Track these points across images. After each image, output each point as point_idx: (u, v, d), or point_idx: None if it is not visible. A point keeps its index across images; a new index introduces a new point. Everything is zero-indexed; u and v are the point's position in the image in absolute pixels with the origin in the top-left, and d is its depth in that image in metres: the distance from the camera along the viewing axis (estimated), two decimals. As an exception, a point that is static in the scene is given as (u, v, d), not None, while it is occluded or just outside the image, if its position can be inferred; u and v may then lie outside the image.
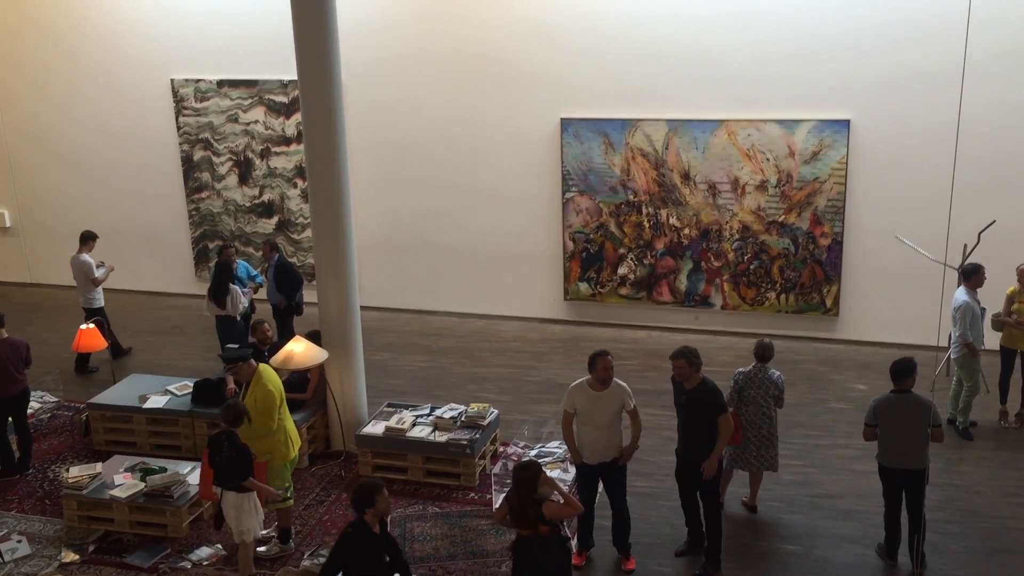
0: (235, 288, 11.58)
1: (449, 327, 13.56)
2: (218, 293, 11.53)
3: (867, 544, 8.29)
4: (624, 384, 7.91)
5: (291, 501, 8.43)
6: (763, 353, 8.45)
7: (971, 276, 9.89)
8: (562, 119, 12.74)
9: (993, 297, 10.18)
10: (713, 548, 7.98)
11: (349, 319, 9.88)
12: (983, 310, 9.95)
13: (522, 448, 9.83)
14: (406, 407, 10.04)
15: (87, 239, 12.32)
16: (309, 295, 11.59)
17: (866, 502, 8.88)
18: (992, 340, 10.20)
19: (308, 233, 13.86)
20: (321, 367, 9.78)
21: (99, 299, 12.26)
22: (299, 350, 9.35)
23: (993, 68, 10.82)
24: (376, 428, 9.63)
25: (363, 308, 10.30)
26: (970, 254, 10.62)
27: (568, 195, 12.97)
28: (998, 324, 10.11)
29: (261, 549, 8.39)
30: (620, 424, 7.91)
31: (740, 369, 8.60)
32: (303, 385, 10.01)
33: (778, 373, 8.53)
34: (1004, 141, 11.22)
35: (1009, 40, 10.94)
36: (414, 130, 13.44)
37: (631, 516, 8.14)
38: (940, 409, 10.38)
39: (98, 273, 12.21)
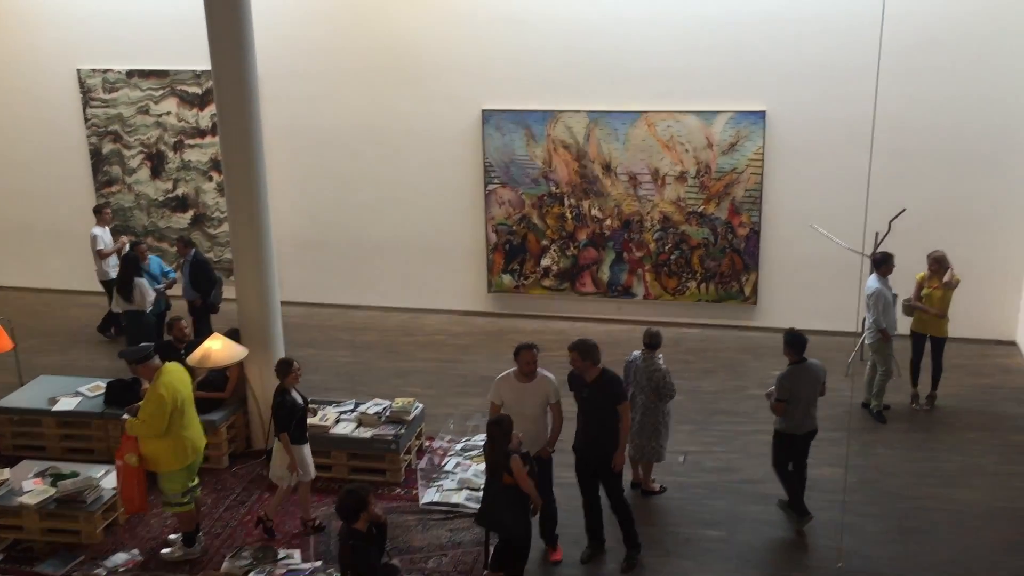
0: (140, 281, 11.30)
1: (372, 321, 13.41)
2: (124, 287, 11.26)
3: (787, 528, 8.46)
4: (550, 376, 7.92)
5: (191, 506, 8.11)
6: (650, 340, 8.53)
7: (882, 264, 10.16)
8: (483, 111, 12.68)
9: (905, 283, 10.48)
10: (630, 534, 8.01)
11: (269, 315, 9.67)
12: (894, 296, 10.24)
13: (447, 442, 9.77)
14: (329, 403, 9.88)
15: (96, 211, 12.70)
16: (228, 291, 11.32)
17: (786, 486, 9.08)
18: (904, 325, 10.50)
19: (225, 228, 13.53)
20: (240, 365, 9.56)
21: (112, 272, 12.30)
22: (217, 348, 9.11)
23: (902, 61, 11.10)
24: (298, 426, 9.44)
25: (284, 303, 10.10)
26: (881, 242, 10.92)
27: (490, 187, 12.93)
28: (909, 309, 10.42)
29: (165, 551, 8.20)
30: (546, 416, 7.91)
31: (634, 352, 8.69)
32: (222, 384, 9.77)
33: (663, 366, 8.54)
34: (913, 132, 11.54)
35: (917, 34, 11.25)
36: (333, 123, 13.23)
37: (557, 507, 8.15)
38: (855, 394, 10.75)
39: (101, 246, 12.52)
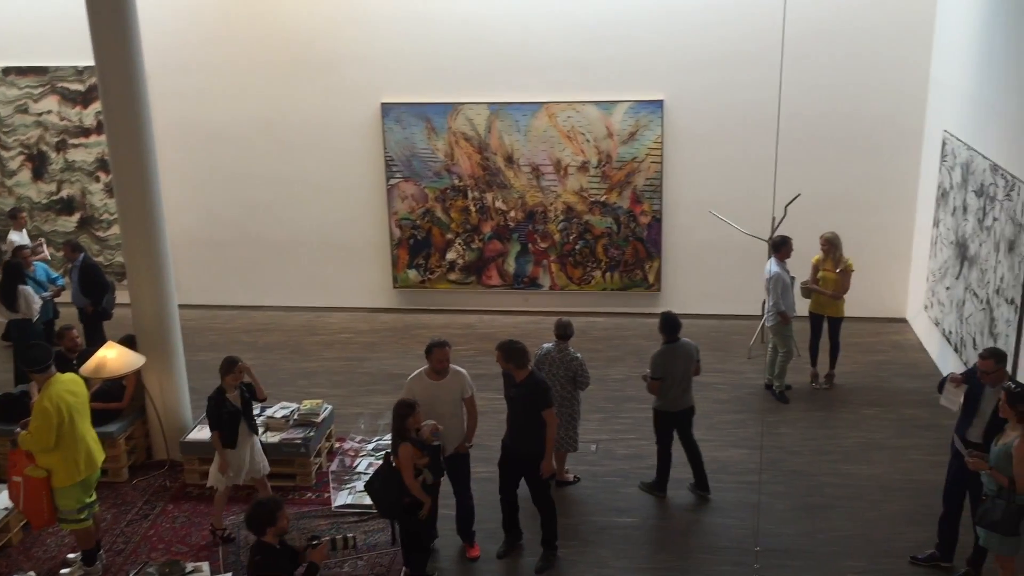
0: (25, 288, 10.73)
1: (275, 321, 13.09)
2: (7, 295, 10.68)
3: (698, 510, 8.61)
4: (463, 371, 7.85)
5: (89, 522, 7.74)
6: (562, 331, 8.56)
7: (780, 248, 10.40)
8: (382, 104, 12.50)
9: (802, 266, 10.76)
10: (549, 535, 7.99)
11: (166, 320, 9.33)
12: (792, 279, 10.51)
13: (359, 442, 9.61)
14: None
15: (12, 215, 12.27)
16: (120, 296, 10.87)
17: (696, 470, 9.24)
18: (802, 307, 10.79)
19: (115, 230, 13.02)
20: (138, 373, 9.19)
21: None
22: (112, 356, 8.74)
23: (795, 49, 11.31)
24: (202, 433, 9.12)
25: (181, 307, 9.75)
26: (778, 226, 11.18)
27: (392, 181, 12.76)
28: (807, 292, 10.71)
29: (63, 572, 7.83)
30: (462, 412, 7.85)
31: (544, 344, 8.71)
32: (119, 393, 9.38)
33: (577, 355, 8.59)
34: (806, 119, 11.83)
35: (810, 23, 11.51)
36: (227, 118, 12.84)
37: (474, 503, 8.10)
38: (757, 375, 11.01)
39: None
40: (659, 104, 12.08)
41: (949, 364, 10.71)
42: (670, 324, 8.55)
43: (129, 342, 9.21)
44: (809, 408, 10.41)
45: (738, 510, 8.58)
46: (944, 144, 11.02)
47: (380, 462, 9.10)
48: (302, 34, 12.46)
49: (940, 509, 7.74)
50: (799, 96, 11.66)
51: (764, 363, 10.88)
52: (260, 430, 9.14)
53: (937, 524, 7.76)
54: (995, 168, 9.43)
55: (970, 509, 7.45)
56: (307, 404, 9.47)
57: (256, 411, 9.39)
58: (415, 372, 7.87)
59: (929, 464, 9.07)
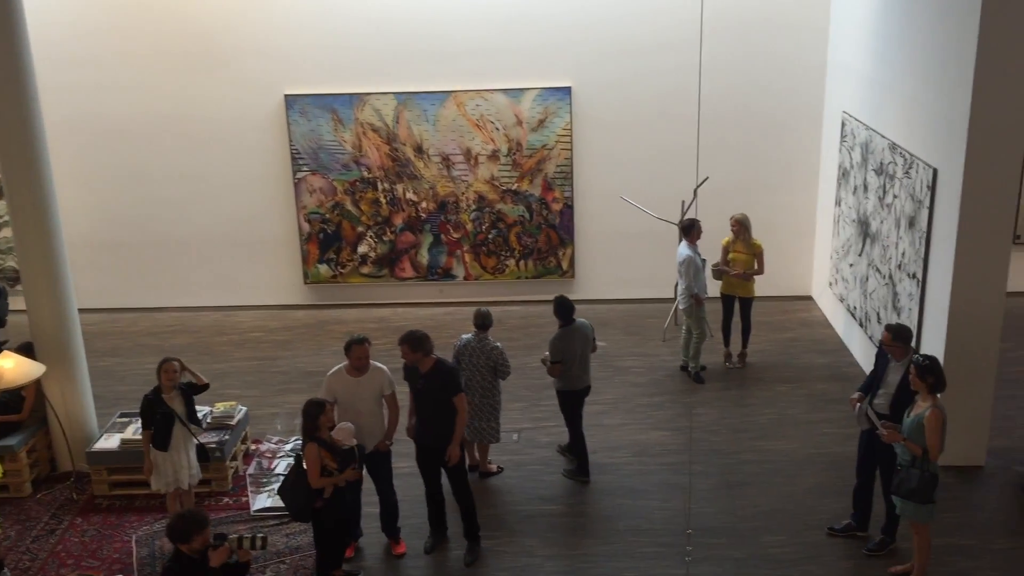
0: None
1: (182, 323, 12.67)
2: None
3: (622, 494, 8.67)
4: (383, 367, 7.73)
5: None
6: (481, 322, 8.52)
7: (690, 231, 10.54)
8: (286, 96, 12.19)
9: (712, 248, 10.93)
10: (471, 527, 7.94)
11: (65, 325, 8.93)
12: (704, 261, 10.67)
13: (276, 444, 9.37)
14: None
15: None
16: (14, 302, 10.36)
17: (618, 454, 9.31)
18: (714, 288, 10.97)
19: (7, 233, 12.36)
20: (38, 382, 8.74)
21: None
22: (9, 367, 8.26)
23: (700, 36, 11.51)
24: (110, 442, 8.81)
25: (81, 311, 9.34)
26: (688, 210, 11.33)
27: (299, 175, 12.47)
28: (718, 273, 10.89)
29: None
30: (382, 409, 7.72)
31: (463, 335, 8.67)
32: (18, 405, 8.94)
33: (497, 344, 8.57)
34: (711, 103, 11.94)
35: (715, 8, 11.60)
36: (124, 112, 12.34)
37: (397, 499, 7.98)
38: (673, 358, 11.14)
39: None
40: (567, 91, 12.09)
41: (855, 339, 11.06)
42: (564, 308, 8.69)
43: (26, 350, 8.77)
44: (724, 388, 10.60)
45: (661, 491, 8.68)
46: (844, 125, 11.33)
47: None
48: (200, 25, 12.04)
49: (854, 480, 7.97)
50: (704, 82, 11.78)
51: (679, 345, 11.02)
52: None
53: (852, 495, 7.99)
54: (893, 147, 9.73)
55: (882, 479, 7.69)
56: (220, 407, 9.19)
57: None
58: (334, 369, 7.71)
59: (841, 437, 9.33)
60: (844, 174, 11.38)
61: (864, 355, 10.59)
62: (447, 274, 12.84)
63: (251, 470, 8.83)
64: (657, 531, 8.12)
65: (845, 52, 11.40)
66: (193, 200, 12.66)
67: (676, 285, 11.07)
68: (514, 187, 12.46)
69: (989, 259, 8.29)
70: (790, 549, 7.84)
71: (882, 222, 10.11)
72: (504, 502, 8.64)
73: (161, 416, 7.73)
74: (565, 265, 12.75)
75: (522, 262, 12.76)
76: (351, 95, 12.17)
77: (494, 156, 12.35)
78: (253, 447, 9.42)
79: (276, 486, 8.60)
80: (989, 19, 7.73)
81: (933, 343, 8.70)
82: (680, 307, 10.84)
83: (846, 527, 7.98)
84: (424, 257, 12.78)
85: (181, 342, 12.06)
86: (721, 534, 8.04)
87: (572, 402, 8.84)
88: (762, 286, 11.14)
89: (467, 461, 8.70)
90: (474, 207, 12.55)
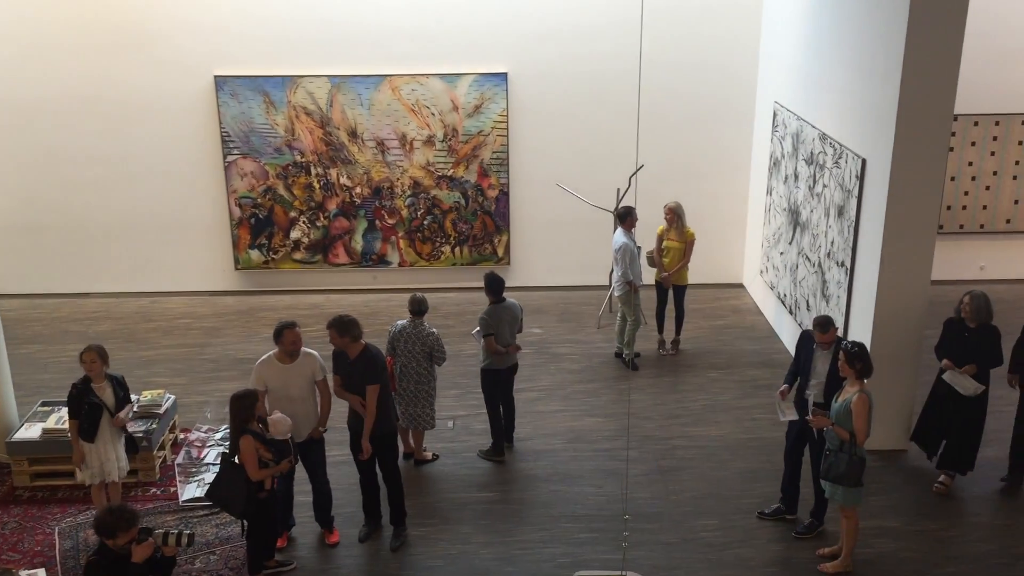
0: None
1: (106, 309, 12.32)
2: None
3: (557, 481, 8.70)
4: (314, 353, 7.61)
5: None
6: (417, 308, 8.45)
7: (625, 218, 10.58)
8: (216, 77, 11.90)
9: (647, 236, 11.00)
10: (398, 512, 7.88)
11: (-16, 312, 8.59)
12: (638, 249, 10.74)
13: (205, 432, 9.18)
14: (65, 404, 8.92)
15: None
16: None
17: (552, 440, 9.33)
18: (648, 275, 11.05)
19: (-82, 215, 11.89)
20: (-47, 370, 8.44)
21: None
22: (-77, 354, 7.97)
23: (636, 24, 11.54)
24: (31, 432, 8.54)
25: (0, 297, 9.00)
26: (623, 197, 11.39)
27: (230, 159, 12.19)
28: (652, 261, 10.97)
29: None
30: (315, 396, 7.60)
31: (398, 321, 8.60)
32: (-68, 394, 8.59)
33: (433, 330, 8.52)
34: (647, 92, 11.95)
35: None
36: (43, 93, 11.92)
37: (331, 487, 7.88)
38: (608, 344, 11.20)
39: None
40: (503, 76, 12.03)
41: (785, 326, 11.25)
42: (494, 284, 8.75)
43: (-58, 337, 8.44)
44: (658, 374, 10.69)
45: (596, 477, 8.73)
46: (775, 115, 11.49)
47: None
48: (125, 2, 11.67)
49: (783, 465, 8.12)
50: (641, 70, 11.86)
51: (614, 332, 11.09)
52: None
53: (781, 479, 8.14)
54: (824, 137, 9.90)
55: (811, 464, 7.84)
56: (147, 395, 8.97)
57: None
58: (264, 356, 7.57)
59: (771, 422, 9.48)
60: (775, 163, 11.55)
61: (794, 342, 10.77)
62: (382, 260, 12.71)
63: (180, 459, 8.64)
64: (592, 517, 8.17)
65: (777, 43, 11.55)
66: (119, 183, 12.30)
67: (611, 272, 11.13)
68: (450, 173, 12.37)
69: (915, 248, 8.49)
70: (722, 533, 7.96)
71: (812, 211, 10.29)
72: (439, 489, 8.60)
73: (89, 407, 7.47)
74: (501, 252, 12.72)
75: (457, 249, 12.69)
76: (284, 77, 11.94)
77: (430, 141, 12.25)
78: (182, 436, 9.21)
79: (206, 475, 8.46)
80: (917, 12, 7.90)
81: (861, 330, 8.89)
82: (615, 294, 10.89)
83: (776, 511, 8.12)
84: (358, 243, 12.62)
85: (106, 329, 11.73)
86: (654, 519, 8.12)
87: (494, 380, 8.88)
88: (695, 274, 11.26)
89: (402, 448, 8.65)
90: (409, 193, 12.43)
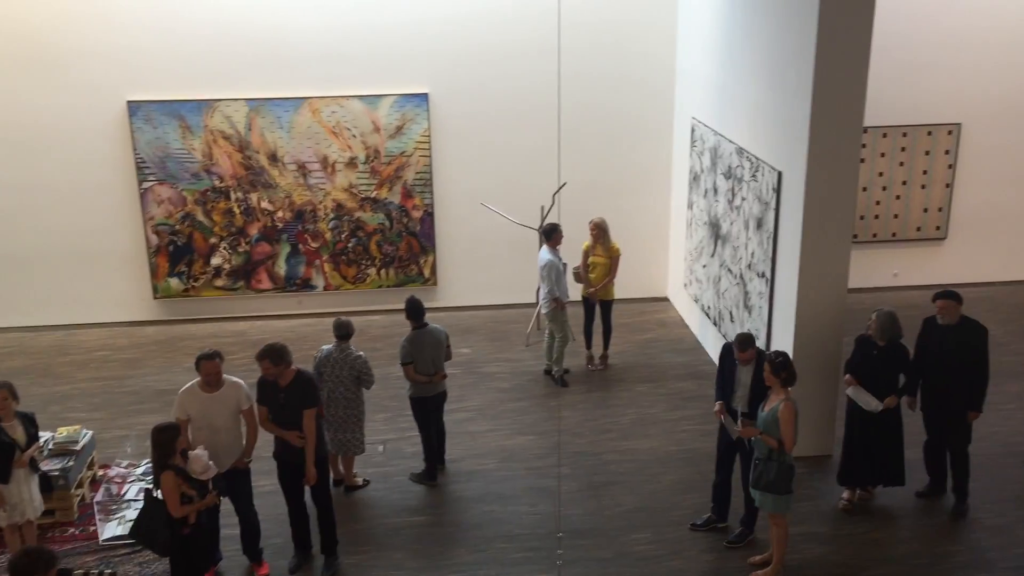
0: None
1: (18, 344, 11.88)
2: None
3: (490, 501, 8.64)
4: (240, 381, 7.43)
5: None
6: (343, 332, 8.34)
7: (551, 235, 10.62)
8: (129, 102, 11.62)
9: (573, 252, 11.06)
10: (329, 541, 7.75)
11: None
12: (564, 265, 10.78)
13: (126, 468, 8.89)
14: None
15: None
16: None
17: (484, 460, 9.28)
18: (575, 292, 11.10)
19: None
20: None
21: None
22: None
23: (554, 43, 11.64)
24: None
25: (-97, 335, 8.61)
26: (547, 215, 11.45)
27: (146, 185, 11.90)
28: (579, 277, 11.02)
29: None
30: (239, 426, 7.42)
31: (323, 347, 8.47)
32: None
33: (360, 354, 8.43)
34: (567, 109, 12.07)
35: (573, 16, 11.78)
36: (-55, 120, 11.49)
37: (259, 518, 7.70)
38: (536, 362, 11.21)
39: None
40: (424, 97, 12.01)
41: (710, 337, 11.41)
42: (414, 309, 8.61)
43: None
44: (588, 390, 10.73)
45: (528, 496, 8.70)
46: (693, 130, 11.69)
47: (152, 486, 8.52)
48: (32, 26, 11.34)
49: (713, 475, 8.21)
50: (561, 88, 11.95)
51: (542, 350, 11.10)
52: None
53: (712, 489, 8.22)
54: (740, 151, 10.10)
55: (741, 473, 7.94)
56: (63, 431, 8.66)
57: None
58: (186, 385, 7.36)
59: (699, 433, 9.59)
60: (695, 178, 11.74)
61: (719, 353, 10.93)
62: (306, 284, 12.53)
63: (99, 497, 8.34)
64: (526, 536, 8.12)
65: (692, 58, 11.77)
66: (29, 212, 11.90)
67: (538, 290, 11.15)
68: (373, 195, 12.28)
69: (831, 257, 8.70)
70: (655, 546, 7.99)
71: (732, 224, 10.48)
72: (371, 515, 8.47)
73: (1, 445, 7.17)
74: (427, 273, 12.65)
75: (383, 271, 12.58)
76: (199, 101, 11.72)
77: (352, 163, 12.14)
78: (101, 473, 8.90)
79: (127, 512, 8.19)
80: (826, 28, 8.12)
81: (782, 339, 9.06)
82: (542, 311, 10.91)
83: (707, 520, 8.20)
84: (281, 268, 12.42)
85: (18, 364, 11.31)
86: (588, 535, 8.12)
87: (423, 407, 8.77)
88: (621, 288, 11.35)
89: (331, 475, 8.49)
90: (332, 216, 12.29)
